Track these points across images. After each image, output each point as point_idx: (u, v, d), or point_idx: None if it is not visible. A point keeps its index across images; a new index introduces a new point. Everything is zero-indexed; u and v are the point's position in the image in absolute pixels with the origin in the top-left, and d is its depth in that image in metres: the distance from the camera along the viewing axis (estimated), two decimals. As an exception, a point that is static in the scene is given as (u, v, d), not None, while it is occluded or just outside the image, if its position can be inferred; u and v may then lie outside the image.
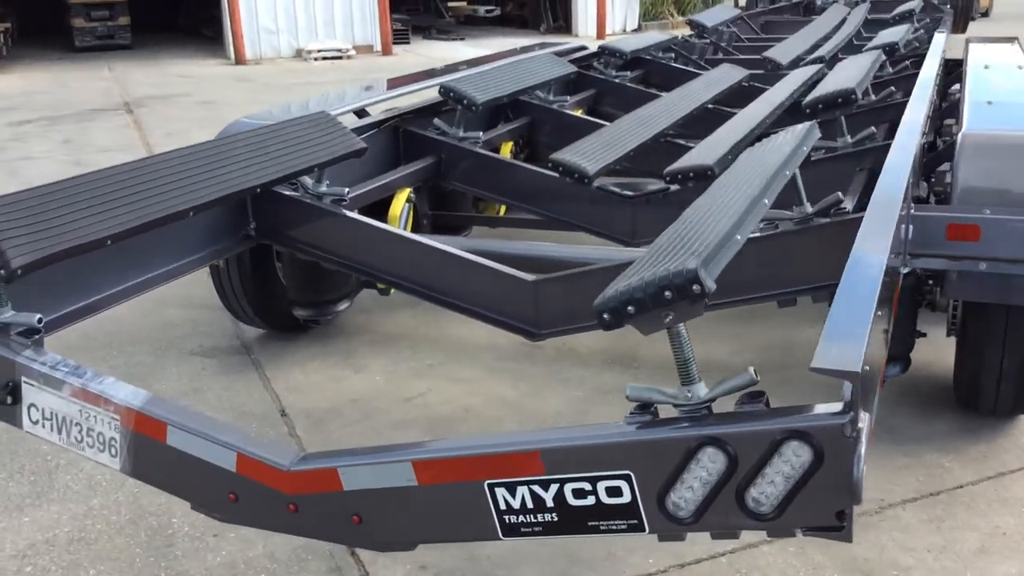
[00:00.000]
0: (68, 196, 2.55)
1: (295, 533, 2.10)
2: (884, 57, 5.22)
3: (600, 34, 18.22)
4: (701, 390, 1.75)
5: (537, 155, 5.32)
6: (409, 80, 5.00)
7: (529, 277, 3.21)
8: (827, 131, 4.10)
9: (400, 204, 4.09)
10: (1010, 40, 6.06)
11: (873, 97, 4.78)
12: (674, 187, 4.01)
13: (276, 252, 3.93)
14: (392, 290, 4.01)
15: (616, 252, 3.70)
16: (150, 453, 2.13)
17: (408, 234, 3.43)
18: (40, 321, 2.33)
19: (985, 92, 3.92)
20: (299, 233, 3.47)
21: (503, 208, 5.34)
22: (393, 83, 4.98)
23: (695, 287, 1.67)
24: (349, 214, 3.44)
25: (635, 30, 19.33)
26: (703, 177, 3.88)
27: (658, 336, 1.81)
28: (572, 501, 1.76)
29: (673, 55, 7.17)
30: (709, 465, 1.65)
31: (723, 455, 1.64)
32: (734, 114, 5.52)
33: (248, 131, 3.42)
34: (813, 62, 6.06)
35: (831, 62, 5.98)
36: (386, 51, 16.65)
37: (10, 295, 2.36)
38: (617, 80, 6.14)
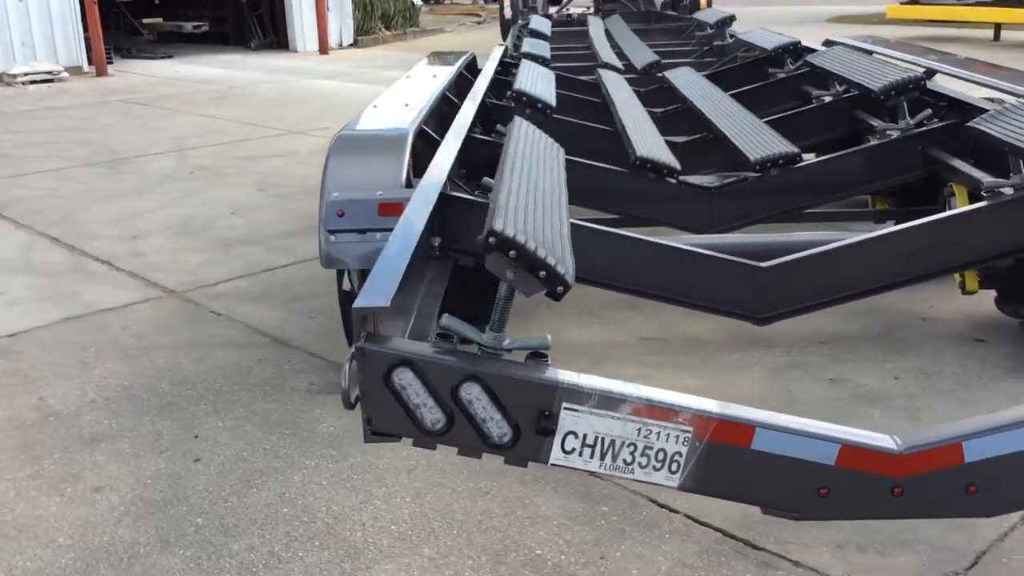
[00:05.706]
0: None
1: (895, 516, 2.11)
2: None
3: (323, 49, 17.89)
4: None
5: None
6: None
7: (761, 264, 3.30)
8: (884, 116, 4.56)
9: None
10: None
11: None
12: (752, 176, 4.28)
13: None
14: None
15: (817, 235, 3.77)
16: (728, 461, 2.01)
17: (629, 233, 3.37)
18: (549, 340, 2.08)
19: None
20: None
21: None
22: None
23: None
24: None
25: (351, 45, 19.22)
26: (791, 162, 4.19)
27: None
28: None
29: None
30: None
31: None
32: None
33: None
34: (661, 67, 6.75)
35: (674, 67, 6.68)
36: (100, 72, 15.21)
37: None
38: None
